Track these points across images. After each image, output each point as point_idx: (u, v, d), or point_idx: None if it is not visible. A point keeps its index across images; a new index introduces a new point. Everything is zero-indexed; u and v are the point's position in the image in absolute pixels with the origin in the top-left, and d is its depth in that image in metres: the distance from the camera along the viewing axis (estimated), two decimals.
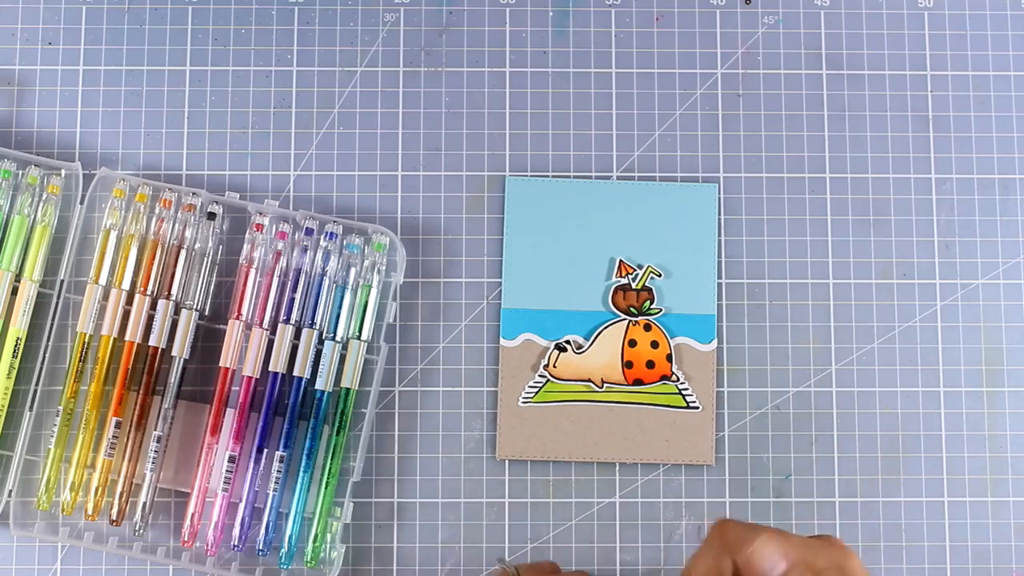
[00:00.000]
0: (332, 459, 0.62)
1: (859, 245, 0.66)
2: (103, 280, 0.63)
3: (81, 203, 0.64)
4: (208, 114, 0.67)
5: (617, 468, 0.65)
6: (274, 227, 0.64)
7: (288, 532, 0.62)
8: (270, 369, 0.62)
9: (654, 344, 0.65)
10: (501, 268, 0.66)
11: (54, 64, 0.67)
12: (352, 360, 0.63)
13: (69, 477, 0.62)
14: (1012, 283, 0.66)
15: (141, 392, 0.62)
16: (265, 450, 0.62)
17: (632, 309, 0.65)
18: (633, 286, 0.65)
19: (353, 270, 0.64)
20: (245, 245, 0.63)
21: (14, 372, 0.63)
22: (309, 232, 0.64)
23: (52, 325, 0.64)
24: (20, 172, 0.64)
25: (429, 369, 0.65)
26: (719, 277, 0.66)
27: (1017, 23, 0.68)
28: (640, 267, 0.65)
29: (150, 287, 0.63)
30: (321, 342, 0.63)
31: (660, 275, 0.65)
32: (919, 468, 0.65)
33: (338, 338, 0.63)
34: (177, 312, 0.63)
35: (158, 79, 0.67)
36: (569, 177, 0.66)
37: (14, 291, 0.63)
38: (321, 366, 0.63)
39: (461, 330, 0.65)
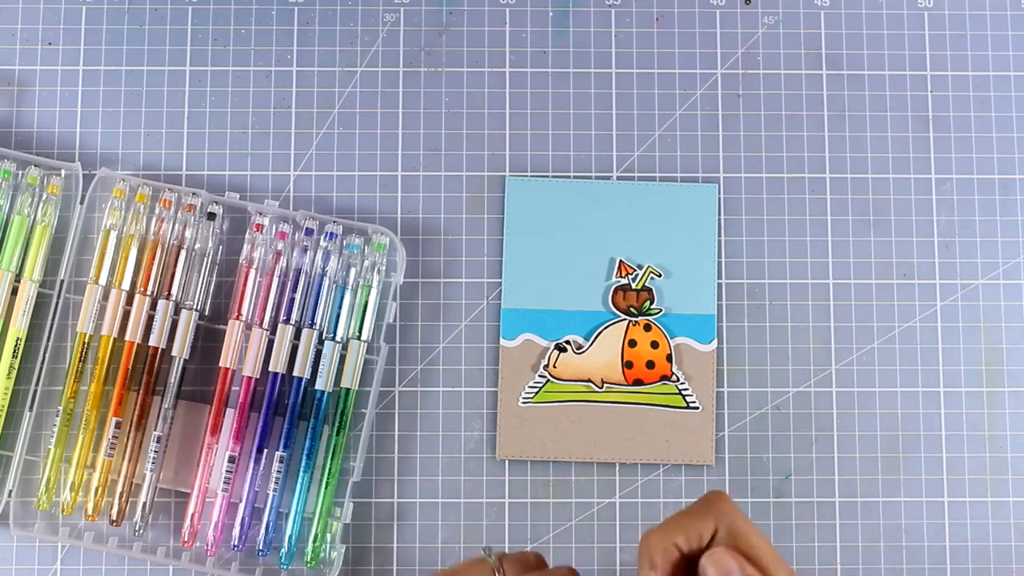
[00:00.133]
0: (332, 459, 0.62)
1: (859, 245, 0.66)
2: (103, 280, 0.63)
3: (81, 203, 0.64)
4: (208, 114, 0.67)
5: (617, 468, 0.65)
6: (274, 227, 0.64)
7: (288, 532, 0.62)
8: (270, 369, 0.62)
9: (654, 344, 0.65)
10: (501, 268, 0.66)
11: (54, 64, 0.67)
12: (352, 360, 0.63)
13: (69, 477, 0.62)
14: (1012, 283, 0.66)
15: (141, 392, 0.62)
16: (265, 450, 0.62)
17: (632, 309, 0.65)
18: (633, 286, 0.65)
19: (353, 270, 0.64)
20: (245, 245, 0.63)
21: (14, 372, 0.63)
22: (309, 232, 0.64)
23: (52, 325, 0.64)
24: (20, 172, 0.64)
25: (429, 369, 0.65)
26: (719, 277, 0.66)
27: (1017, 23, 0.68)
28: (640, 267, 0.65)
29: (150, 287, 0.63)
30: (321, 342, 0.63)
31: (660, 275, 0.65)
32: (919, 468, 0.65)
33: (338, 338, 0.63)
34: (177, 312, 0.63)
35: (158, 79, 0.67)
36: (569, 177, 0.66)
37: (14, 291, 0.63)
38: (321, 366, 0.63)
39: (461, 330, 0.65)
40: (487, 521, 0.64)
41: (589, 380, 0.65)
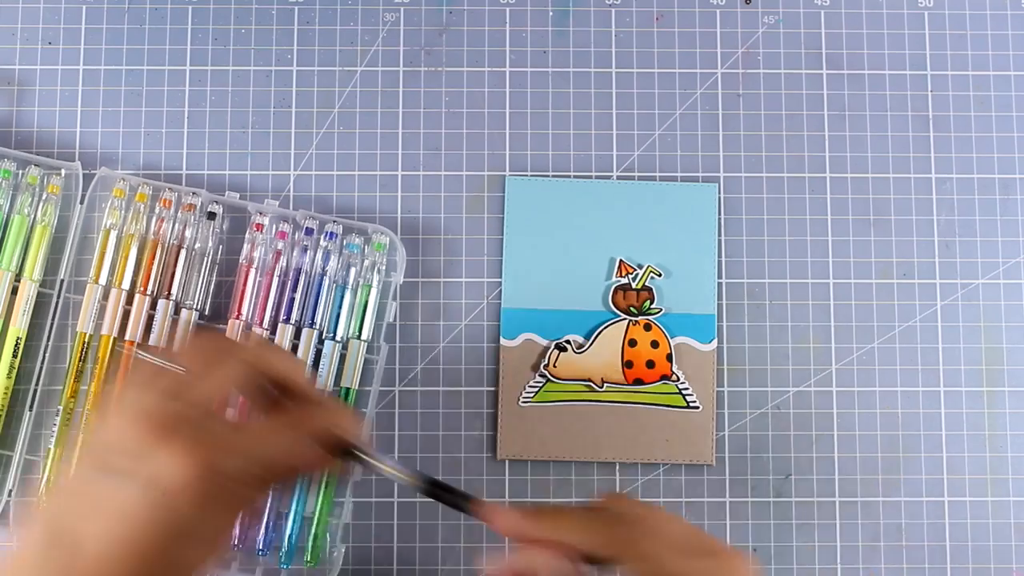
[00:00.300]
0: None
1: (859, 245, 0.66)
2: (103, 280, 0.63)
3: (81, 203, 0.64)
4: (208, 114, 0.67)
5: (617, 468, 0.65)
6: (274, 227, 0.64)
7: (288, 532, 0.62)
8: None
9: (654, 344, 0.65)
10: (501, 268, 0.66)
11: (54, 64, 0.67)
12: (352, 360, 0.63)
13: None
14: (1012, 283, 0.66)
15: None
16: None
17: (632, 309, 0.65)
18: (633, 286, 0.65)
19: (353, 270, 0.64)
20: (245, 245, 0.63)
21: (14, 372, 0.63)
22: (309, 232, 0.64)
23: (52, 325, 0.64)
24: (20, 172, 0.64)
25: (429, 369, 0.65)
26: (719, 277, 0.66)
27: (1017, 23, 0.68)
28: (640, 267, 0.65)
29: (150, 287, 0.63)
30: (321, 342, 0.63)
31: (660, 275, 0.65)
32: (919, 468, 0.65)
33: (338, 338, 0.63)
34: (177, 312, 0.63)
35: (158, 79, 0.67)
36: (569, 177, 0.66)
37: (14, 291, 0.63)
38: (321, 366, 0.63)
39: (461, 330, 0.65)
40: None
41: (589, 380, 0.65)
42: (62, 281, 0.64)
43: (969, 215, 0.67)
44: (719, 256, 0.66)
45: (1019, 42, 0.68)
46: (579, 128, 0.67)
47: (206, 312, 0.64)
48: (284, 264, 0.63)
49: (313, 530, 0.62)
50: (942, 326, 0.66)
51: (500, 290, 0.65)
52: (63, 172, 0.65)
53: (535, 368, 0.65)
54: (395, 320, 0.65)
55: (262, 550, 0.62)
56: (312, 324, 0.63)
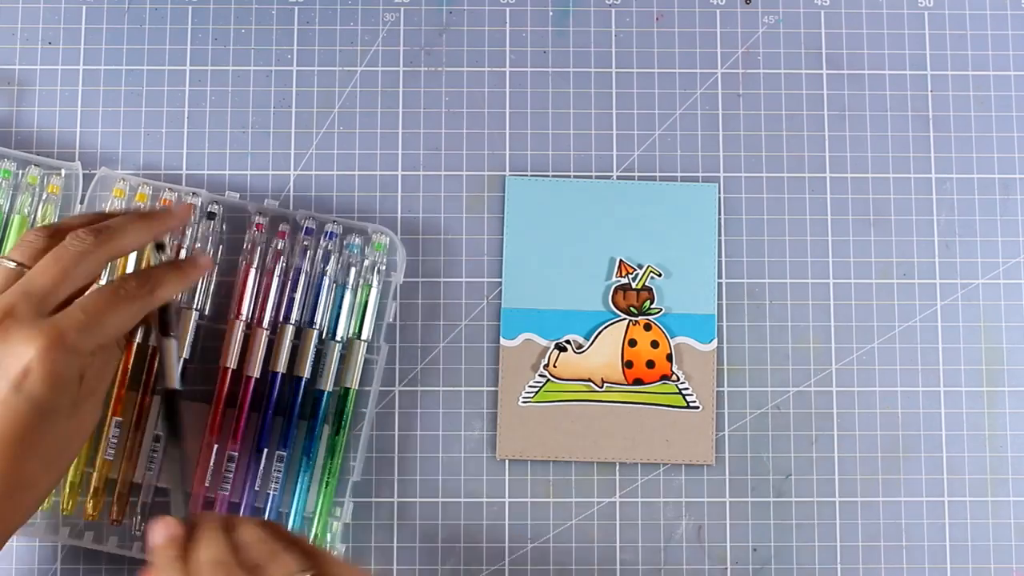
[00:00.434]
0: (332, 459, 0.62)
1: (859, 245, 0.66)
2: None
3: (81, 203, 0.64)
4: (208, 114, 0.67)
5: (617, 468, 0.65)
6: (274, 227, 0.64)
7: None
8: (270, 369, 0.62)
9: (654, 344, 0.65)
10: (501, 268, 0.66)
11: (54, 64, 0.67)
12: (352, 360, 0.63)
13: (69, 477, 0.62)
14: (1012, 283, 0.66)
15: (141, 392, 0.62)
16: (265, 450, 0.62)
17: (632, 309, 0.65)
18: (633, 286, 0.65)
19: (353, 270, 0.64)
20: (245, 245, 0.63)
21: None
22: (309, 232, 0.64)
23: None
24: (20, 172, 0.64)
25: (429, 369, 0.65)
26: (719, 277, 0.66)
27: (1017, 23, 0.68)
28: (640, 267, 0.65)
29: None
30: (321, 342, 0.63)
31: (660, 275, 0.65)
32: (919, 468, 0.65)
33: (338, 338, 0.63)
34: (178, 312, 0.63)
35: (158, 79, 0.67)
36: (569, 177, 0.66)
37: None
38: (321, 366, 0.63)
39: (461, 330, 0.65)
40: (487, 521, 0.64)
41: (589, 380, 0.65)
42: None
43: (969, 215, 0.67)
44: (719, 256, 0.66)
45: (1019, 42, 0.68)
46: (579, 128, 0.67)
47: (206, 312, 0.64)
48: (284, 264, 0.63)
49: (313, 530, 0.62)
50: (942, 326, 0.66)
51: (500, 290, 0.65)
52: (63, 172, 0.65)
53: (535, 368, 0.65)
54: (395, 320, 0.65)
55: None
56: (312, 324, 0.63)
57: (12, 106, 0.66)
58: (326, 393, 0.63)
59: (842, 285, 0.66)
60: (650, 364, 0.65)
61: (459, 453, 0.65)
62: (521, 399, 0.64)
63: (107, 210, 0.63)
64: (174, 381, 0.57)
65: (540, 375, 0.65)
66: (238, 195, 0.65)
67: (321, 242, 0.64)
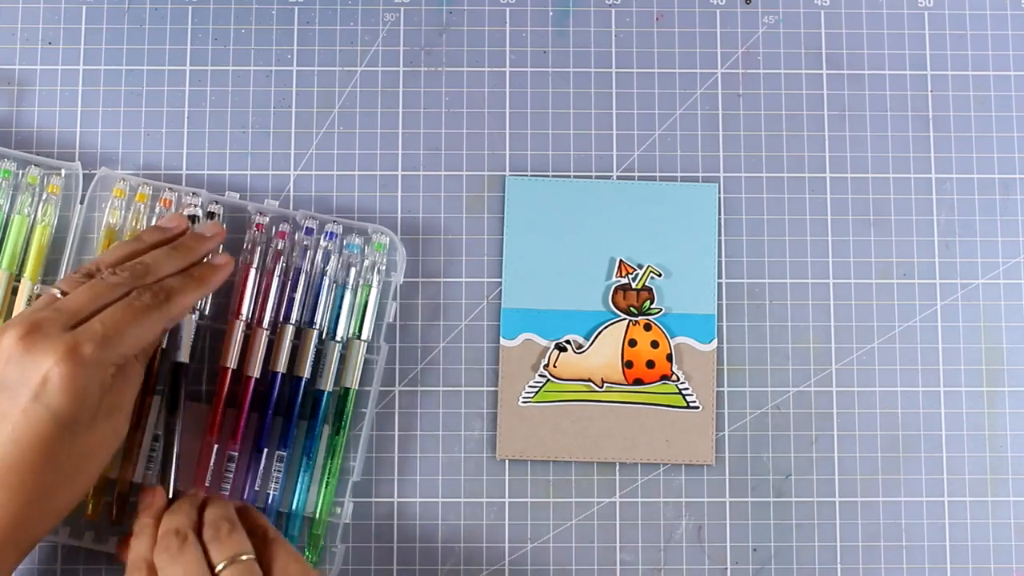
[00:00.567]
0: (332, 459, 0.62)
1: (859, 245, 0.66)
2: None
3: (81, 203, 0.64)
4: (208, 114, 0.67)
5: (617, 468, 0.65)
6: (274, 227, 0.64)
7: (288, 532, 0.62)
8: (271, 369, 0.62)
9: (654, 344, 0.65)
10: (501, 268, 0.66)
11: (54, 64, 0.67)
12: (352, 360, 0.63)
13: None
14: (1012, 283, 0.66)
15: (141, 392, 0.62)
16: (265, 450, 0.62)
17: (632, 309, 0.65)
18: (633, 286, 0.65)
19: (353, 270, 0.64)
20: (245, 245, 0.63)
21: None
22: (309, 232, 0.64)
23: None
24: (20, 172, 0.64)
25: (429, 369, 0.65)
26: (719, 277, 0.66)
27: (1017, 23, 0.68)
28: (640, 267, 0.65)
29: None
30: (321, 342, 0.63)
31: (660, 275, 0.65)
32: (919, 468, 0.65)
33: (338, 338, 0.63)
34: None
35: (158, 79, 0.67)
36: (569, 177, 0.66)
37: (14, 291, 0.63)
38: (321, 366, 0.63)
39: (461, 330, 0.65)
40: (487, 521, 0.64)
41: (589, 380, 0.65)
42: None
43: (969, 215, 0.67)
44: (719, 256, 0.66)
45: (1019, 42, 0.68)
46: (579, 128, 0.67)
47: (206, 312, 0.64)
48: (284, 264, 0.63)
49: (313, 530, 0.62)
50: (942, 326, 0.66)
51: (500, 290, 0.65)
52: (63, 172, 0.65)
53: (535, 368, 0.65)
54: (395, 320, 0.65)
55: None
56: (312, 324, 0.63)
57: (12, 106, 0.66)
58: (326, 393, 0.63)
59: (842, 285, 0.66)
60: (650, 364, 0.65)
61: (459, 453, 0.65)
62: (521, 399, 0.64)
63: (128, 230, 0.63)
64: (185, 355, 0.61)
65: (540, 375, 0.65)
66: (238, 195, 0.65)
67: (321, 242, 0.64)
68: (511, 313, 0.65)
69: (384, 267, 0.64)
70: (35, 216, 0.63)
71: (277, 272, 0.63)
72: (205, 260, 0.60)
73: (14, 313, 0.62)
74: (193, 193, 0.64)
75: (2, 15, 0.67)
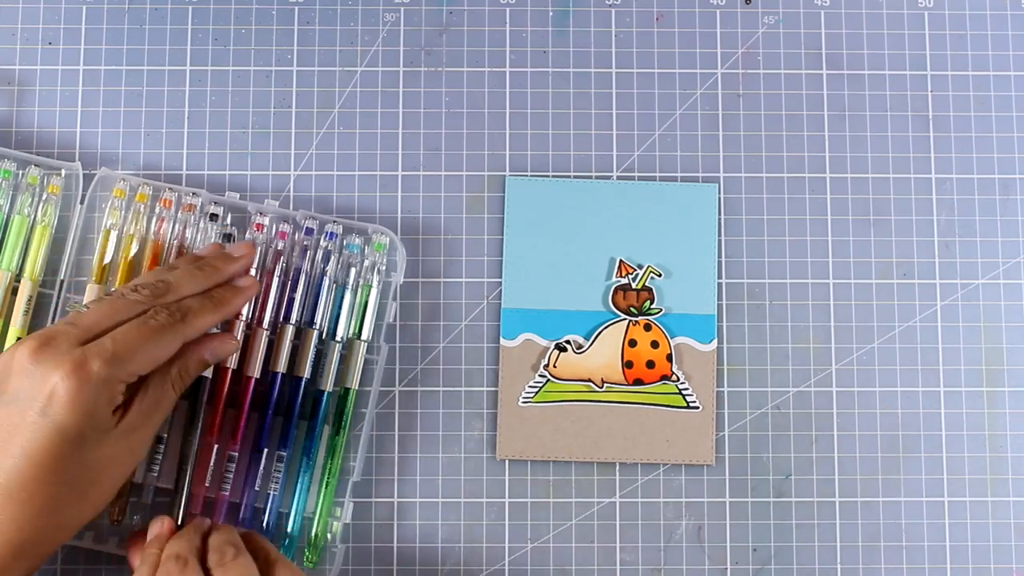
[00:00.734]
0: (332, 459, 0.62)
1: (859, 245, 0.66)
2: (104, 280, 0.63)
3: (81, 203, 0.64)
4: (208, 114, 0.67)
5: (617, 468, 0.65)
6: (274, 227, 0.64)
7: (288, 532, 0.62)
8: (271, 369, 0.62)
9: (654, 344, 0.65)
10: (501, 268, 0.66)
11: (54, 64, 0.67)
12: (352, 360, 0.63)
13: None
14: (1012, 283, 0.66)
15: None
16: (265, 450, 0.62)
17: (632, 309, 0.65)
18: (633, 286, 0.65)
19: (353, 270, 0.64)
20: None
21: None
22: (309, 232, 0.64)
23: None
24: (20, 172, 0.64)
25: (429, 369, 0.65)
26: (719, 277, 0.66)
27: (1017, 23, 0.68)
28: (640, 267, 0.65)
29: None
30: (322, 342, 0.63)
31: (660, 275, 0.65)
32: (919, 468, 0.65)
33: (338, 338, 0.63)
34: None
35: (158, 79, 0.67)
36: (569, 177, 0.66)
37: (14, 291, 0.63)
38: (321, 366, 0.63)
39: (461, 330, 0.65)
40: (487, 521, 0.64)
41: (589, 380, 0.65)
42: (62, 281, 0.64)
43: (969, 215, 0.67)
44: (719, 256, 0.66)
45: (1019, 42, 0.68)
46: (579, 128, 0.67)
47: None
48: (284, 264, 0.63)
49: (313, 530, 0.62)
50: (942, 326, 0.66)
51: (500, 290, 0.65)
52: (63, 172, 0.65)
53: (535, 368, 0.65)
54: (395, 320, 0.65)
55: None
56: (312, 324, 0.63)
57: (12, 106, 0.66)
58: (326, 393, 0.63)
59: (842, 285, 0.66)
60: (650, 364, 0.65)
61: (459, 453, 0.65)
62: (521, 399, 0.64)
63: (128, 231, 0.63)
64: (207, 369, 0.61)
65: (540, 375, 0.65)
66: (238, 195, 0.65)
67: (321, 242, 0.64)
68: (511, 313, 0.65)
69: (384, 267, 0.64)
70: (35, 216, 0.63)
71: (277, 272, 0.63)
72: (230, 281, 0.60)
73: (14, 313, 0.63)
74: (193, 193, 0.64)
75: (2, 15, 0.67)
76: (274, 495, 0.62)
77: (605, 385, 0.65)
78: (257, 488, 0.62)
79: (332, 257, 0.64)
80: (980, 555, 0.65)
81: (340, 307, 0.63)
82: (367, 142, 0.67)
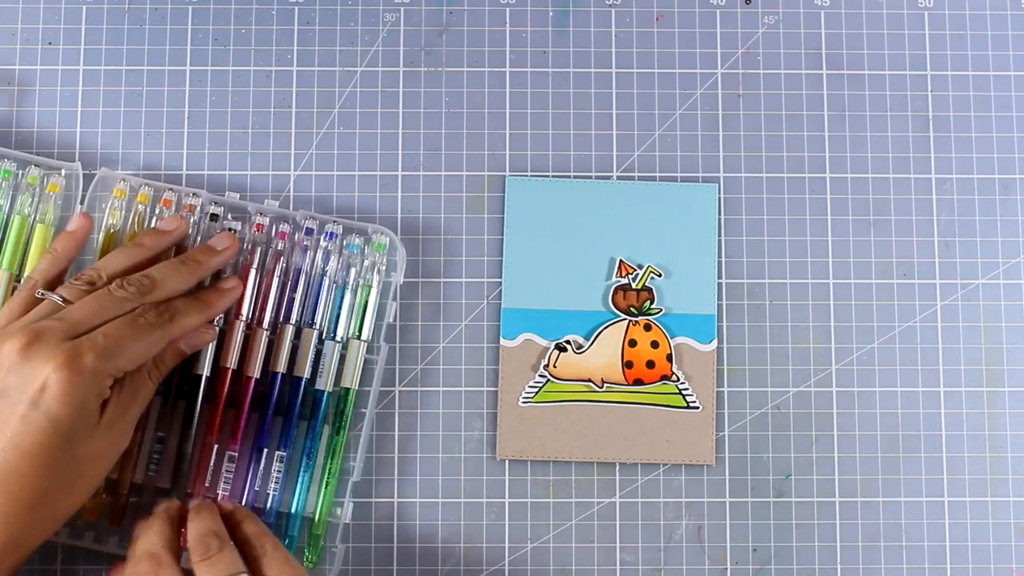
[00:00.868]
0: (332, 459, 0.62)
1: (859, 245, 0.66)
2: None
3: (81, 203, 0.64)
4: (208, 114, 0.67)
5: (617, 468, 0.65)
6: (274, 227, 0.64)
7: (288, 532, 0.62)
8: (271, 369, 0.62)
9: (654, 344, 0.65)
10: (501, 268, 0.66)
11: (54, 64, 0.67)
12: (352, 360, 0.63)
13: None
14: (1012, 283, 0.66)
15: (163, 398, 0.62)
16: (265, 450, 0.62)
17: (632, 309, 0.65)
18: (633, 286, 0.65)
19: (353, 270, 0.64)
20: (245, 245, 0.63)
21: None
22: (309, 232, 0.64)
23: None
24: (20, 172, 0.64)
25: (429, 369, 0.65)
26: (719, 277, 0.66)
27: (1017, 23, 0.68)
28: (640, 267, 0.65)
29: None
30: (321, 342, 0.63)
31: (660, 275, 0.65)
32: (919, 468, 0.65)
33: (338, 338, 0.63)
34: None
35: (158, 79, 0.67)
36: (569, 177, 0.66)
37: (14, 291, 0.63)
38: (321, 366, 0.63)
39: (461, 330, 0.65)
40: (487, 521, 0.64)
41: (589, 380, 0.65)
42: (62, 282, 0.64)
43: (969, 215, 0.67)
44: (719, 256, 0.66)
45: (1019, 42, 0.68)
46: (579, 128, 0.67)
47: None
48: (284, 264, 0.63)
49: (313, 530, 0.62)
50: (942, 326, 0.66)
51: (500, 290, 0.65)
52: (63, 172, 0.65)
53: (535, 368, 0.65)
54: (395, 320, 0.65)
55: None
56: (312, 324, 0.63)
57: (12, 106, 0.66)
58: (326, 393, 0.63)
59: (842, 285, 0.66)
60: (650, 364, 0.65)
61: (459, 453, 0.65)
62: (521, 399, 0.64)
63: (128, 231, 0.63)
64: (206, 368, 0.61)
65: (540, 375, 0.65)
66: (238, 195, 0.65)
67: (321, 242, 0.64)
68: (511, 313, 0.65)
69: (384, 267, 0.64)
70: (35, 216, 0.63)
71: (277, 272, 0.63)
72: (214, 282, 0.61)
73: None
74: (193, 194, 0.64)
75: (2, 15, 0.67)
76: (274, 495, 0.62)
77: (605, 385, 0.65)
78: (257, 488, 0.62)
79: (332, 257, 0.64)
80: (980, 555, 0.65)
81: (340, 307, 0.63)
82: (367, 142, 0.67)
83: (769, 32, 0.68)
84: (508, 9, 0.68)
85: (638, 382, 0.65)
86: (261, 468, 0.62)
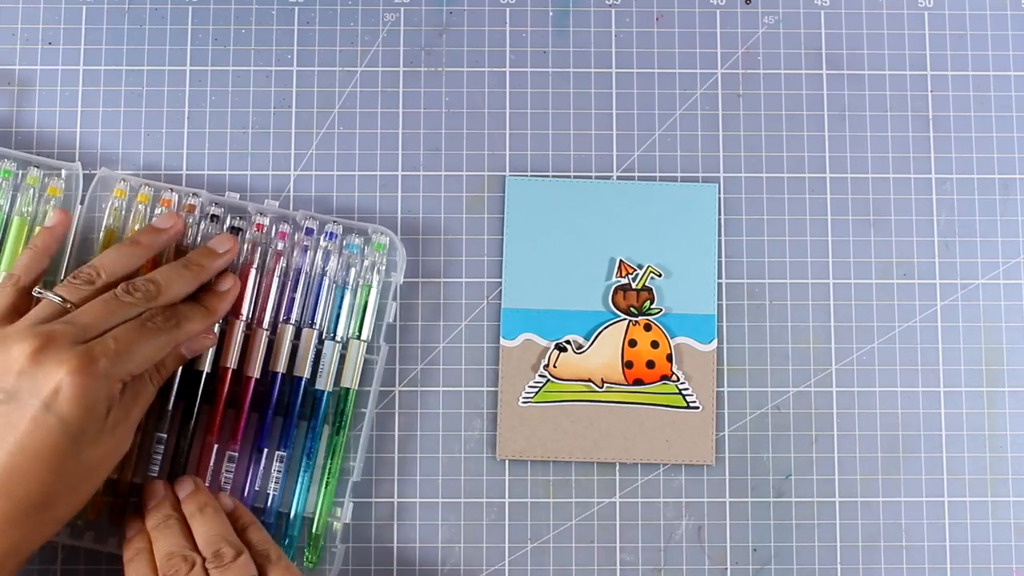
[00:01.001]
0: (332, 459, 0.62)
1: (859, 245, 0.66)
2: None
3: (81, 203, 0.64)
4: (208, 114, 0.67)
5: (617, 468, 0.65)
6: (274, 227, 0.64)
7: (288, 532, 0.62)
8: (271, 369, 0.62)
9: (654, 344, 0.65)
10: (501, 268, 0.66)
11: (54, 64, 0.67)
12: (352, 360, 0.63)
13: None
14: (1012, 283, 0.66)
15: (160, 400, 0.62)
16: (265, 450, 0.62)
17: (632, 309, 0.65)
18: (633, 286, 0.65)
19: (353, 270, 0.64)
20: (245, 245, 0.63)
21: None
22: (309, 232, 0.64)
23: None
24: (20, 172, 0.64)
25: (429, 369, 0.65)
26: (719, 277, 0.66)
27: (1017, 23, 0.68)
28: (640, 267, 0.65)
29: None
30: (321, 342, 0.63)
31: (660, 275, 0.65)
32: (919, 468, 0.65)
33: (338, 338, 0.63)
34: None
35: (158, 79, 0.67)
36: (569, 177, 0.66)
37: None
38: (321, 366, 0.63)
39: (461, 330, 0.65)
40: (487, 521, 0.64)
41: (589, 380, 0.65)
42: (62, 281, 0.64)
43: (969, 215, 0.67)
44: (719, 256, 0.66)
45: (1019, 42, 0.68)
46: (579, 128, 0.67)
47: None
48: (284, 264, 0.63)
49: (313, 530, 0.62)
50: (942, 326, 0.66)
51: (500, 290, 0.65)
52: (63, 173, 0.65)
53: (535, 368, 0.65)
54: (395, 320, 0.65)
55: None
56: (312, 324, 0.63)
57: (12, 106, 0.66)
58: (326, 393, 0.63)
59: (842, 285, 0.66)
60: (650, 364, 0.65)
61: (459, 453, 0.65)
62: (521, 399, 0.64)
63: (128, 231, 0.63)
64: (206, 364, 0.62)
65: (540, 375, 0.65)
66: (238, 195, 0.65)
67: (321, 242, 0.64)
68: (511, 313, 0.65)
69: (384, 267, 0.64)
70: (35, 217, 0.63)
71: (277, 272, 0.63)
72: (212, 284, 0.61)
73: None
74: (193, 194, 0.64)
75: (2, 15, 0.67)
76: (274, 495, 0.62)
77: (605, 385, 0.65)
78: (257, 488, 0.62)
79: (332, 257, 0.64)
80: (980, 555, 0.65)
81: (340, 307, 0.63)
82: (367, 142, 0.67)
83: (769, 32, 0.68)
84: (508, 9, 0.68)
85: (638, 382, 0.65)
86: (261, 468, 0.62)
